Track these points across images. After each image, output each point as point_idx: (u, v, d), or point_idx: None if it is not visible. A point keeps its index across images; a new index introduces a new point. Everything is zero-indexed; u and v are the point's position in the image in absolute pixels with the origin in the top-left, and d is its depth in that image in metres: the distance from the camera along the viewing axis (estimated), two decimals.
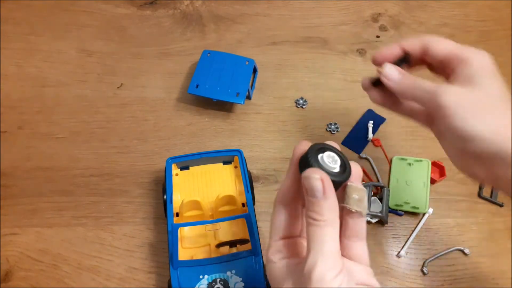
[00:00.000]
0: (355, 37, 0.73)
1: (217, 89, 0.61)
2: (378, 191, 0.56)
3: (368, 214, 0.54)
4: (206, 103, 0.64)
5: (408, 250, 0.53)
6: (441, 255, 0.53)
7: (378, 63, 0.39)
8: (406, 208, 0.55)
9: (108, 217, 0.56)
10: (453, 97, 0.32)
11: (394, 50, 0.38)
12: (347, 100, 0.66)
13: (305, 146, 0.32)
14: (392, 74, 0.36)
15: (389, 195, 0.55)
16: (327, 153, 0.30)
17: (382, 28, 0.74)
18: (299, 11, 0.76)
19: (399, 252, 0.53)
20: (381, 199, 0.55)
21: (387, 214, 0.54)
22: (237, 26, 0.73)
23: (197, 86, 0.62)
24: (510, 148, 0.30)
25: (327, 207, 0.29)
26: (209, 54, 0.65)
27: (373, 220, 0.54)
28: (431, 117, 0.37)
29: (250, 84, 0.64)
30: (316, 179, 0.29)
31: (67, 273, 0.52)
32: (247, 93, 0.63)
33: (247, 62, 0.65)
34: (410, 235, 0.54)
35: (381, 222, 0.55)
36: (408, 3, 0.77)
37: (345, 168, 0.31)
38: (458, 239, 0.54)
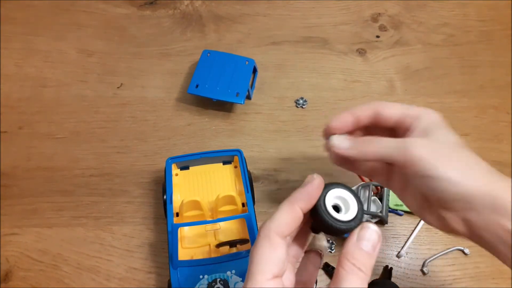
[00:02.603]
0: (355, 37, 0.73)
1: (217, 89, 0.61)
2: (378, 191, 0.56)
3: (368, 214, 0.54)
4: (206, 103, 0.64)
5: (408, 250, 0.53)
6: (441, 255, 0.53)
7: (327, 134, 0.39)
8: (406, 208, 0.55)
9: (108, 217, 0.56)
10: (422, 148, 0.33)
11: (346, 118, 0.38)
12: (347, 100, 0.66)
13: (319, 183, 0.30)
14: (342, 142, 0.36)
15: (389, 195, 0.55)
16: (336, 196, 0.30)
17: (382, 28, 0.74)
18: (299, 11, 0.76)
19: (399, 252, 0.53)
20: (381, 199, 0.55)
21: (387, 214, 0.54)
22: (237, 26, 0.73)
23: (197, 86, 0.62)
24: (476, 189, 0.31)
25: (373, 263, 0.28)
26: (209, 54, 0.65)
27: (373, 220, 0.54)
28: (392, 172, 0.38)
29: (250, 84, 0.64)
30: (378, 234, 0.29)
31: (67, 273, 0.52)
32: (247, 93, 0.63)
33: (247, 62, 0.65)
34: (410, 235, 0.54)
35: (381, 222, 0.55)
36: (408, 3, 0.77)
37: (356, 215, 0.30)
38: (458, 239, 0.54)
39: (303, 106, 0.65)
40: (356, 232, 0.29)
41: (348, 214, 0.29)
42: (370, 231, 0.28)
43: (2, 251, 0.53)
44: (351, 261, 0.27)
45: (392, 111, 0.37)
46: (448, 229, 0.34)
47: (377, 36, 0.73)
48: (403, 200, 0.39)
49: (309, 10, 0.76)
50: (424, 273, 0.52)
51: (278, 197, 0.57)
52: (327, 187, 0.30)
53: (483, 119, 0.64)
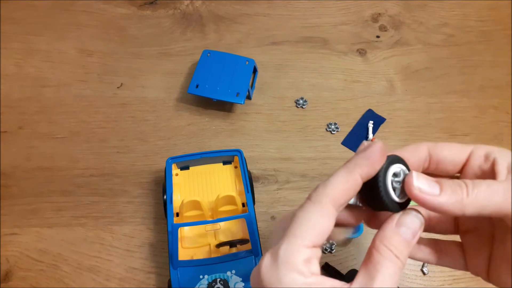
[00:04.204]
0: (355, 37, 0.73)
1: (217, 89, 0.61)
2: None
3: None
4: (206, 103, 0.64)
5: None
6: None
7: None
8: None
9: (108, 217, 0.56)
10: None
11: (420, 152, 0.28)
12: (347, 100, 0.66)
13: (382, 148, 0.25)
14: (431, 187, 0.25)
15: None
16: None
17: (382, 28, 0.74)
18: (299, 11, 0.76)
19: None
20: None
21: None
22: (237, 26, 0.73)
23: (197, 86, 0.62)
24: None
25: (409, 252, 0.25)
26: (209, 54, 0.65)
27: None
28: (479, 235, 0.29)
29: (250, 84, 0.64)
30: (421, 222, 0.26)
31: (67, 273, 0.52)
32: (247, 93, 0.63)
33: (247, 62, 0.65)
34: None
35: None
36: (408, 3, 0.77)
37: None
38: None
39: (303, 106, 0.65)
40: (396, 216, 0.26)
41: (400, 195, 0.26)
42: (412, 218, 0.25)
43: (2, 251, 0.53)
44: (389, 246, 0.24)
45: (450, 151, 0.27)
46: None
47: (377, 36, 0.73)
48: (493, 276, 0.28)
49: (309, 10, 0.76)
50: (424, 273, 0.52)
51: (278, 197, 0.57)
52: (389, 158, 0.26)
53: (483, 119, 0.64)
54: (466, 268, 0.30)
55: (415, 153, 0.28)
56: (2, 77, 0.67)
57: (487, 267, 0.28)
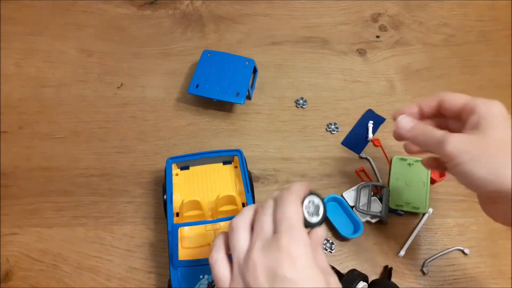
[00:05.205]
0: (355, 37, 0.73)
1: (217, 89, 0.61)
2: (378, 191, 0.56)
3: (368, 214, 0.54)
4: (206, 103, 0.64)
5: (408, 250, 0.53)
6: (441, 255, 0.53)
7: (395, 116, 0.42)
8: (406, 208, 0.55)
9: (108, 217, 0.56)
10: (457, 144, 0.35)
11: (412, 109, 0.42)
12: (347, 100, 0.66)
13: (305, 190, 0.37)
14: (405, 123, 0.40)
15: (389, 195, 0.55)
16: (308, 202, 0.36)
17: (382, 28, 0.74)
18: (299, 11, 0.76)
19: (399, 252, 0.53)
20: (381, 199, 0.55)
21: (387, 214, 0.54)
22: (237, 26, 0.73)
23: (197, 86, 0.62)
24: (509, 187, 0.33)
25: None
26: (209, 54, 0.65)
27: (373, 220, 0.54)
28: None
29: (250, 84, 0.64)
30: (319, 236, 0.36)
31: (67, 273, 0.52)
32: (247, 93, 0.63)
33: (247, 62, 0.65)
34: (410, 235, 0.54)
35: (381, 222, 0.55)
36: (408, 3, 0.77)
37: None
38: (457, 239, 0.54)
39: (303, 106, 0.65)
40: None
41: (317, 216, 0.36)
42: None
43: (2, 251, 0.53)
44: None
45: (452, 102, 0.39)
46: (491, 216, 0.39)
47: (377, 36, 0.73)
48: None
49: (309, 10, 0.76)
50: (424, 273, 0.52)
51: None
52: (309, 194, 0.37)
53: None
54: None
55: (428, 102, 0.41)
56: (2, 77, 0.67)
57: None
